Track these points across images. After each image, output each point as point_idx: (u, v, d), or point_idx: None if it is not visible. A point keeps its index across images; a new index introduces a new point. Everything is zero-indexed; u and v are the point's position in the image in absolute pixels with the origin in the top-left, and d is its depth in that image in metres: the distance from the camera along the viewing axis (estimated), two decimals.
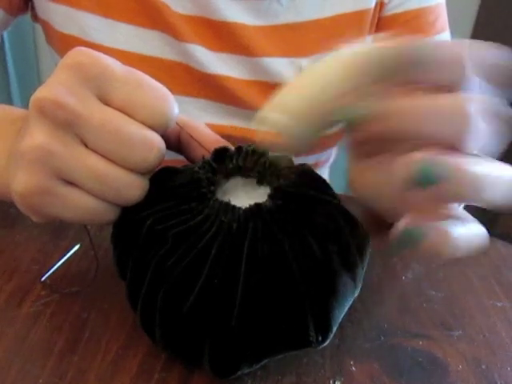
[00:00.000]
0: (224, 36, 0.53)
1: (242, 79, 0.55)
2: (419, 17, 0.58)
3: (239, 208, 0.28)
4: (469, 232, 0.24)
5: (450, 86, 0.23)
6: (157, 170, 0.30)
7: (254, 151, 0.32)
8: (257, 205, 0.28)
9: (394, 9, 0.58)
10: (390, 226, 0.24)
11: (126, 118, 0.27)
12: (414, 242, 0.23)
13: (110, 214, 0.29)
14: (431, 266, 0.42)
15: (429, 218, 0.23)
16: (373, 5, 0.56)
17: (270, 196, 0.29)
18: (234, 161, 0.31)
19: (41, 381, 0.29)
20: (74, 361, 0.30)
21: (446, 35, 0.61)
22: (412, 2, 0.58)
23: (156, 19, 0.52)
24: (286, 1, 0.54)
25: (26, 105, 0.28)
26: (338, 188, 0.34)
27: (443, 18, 0.60)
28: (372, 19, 0.57)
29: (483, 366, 0.33)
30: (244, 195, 0.31)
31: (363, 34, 0.57)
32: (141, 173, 0.28)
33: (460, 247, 0.23)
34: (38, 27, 0.58)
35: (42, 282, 0.36)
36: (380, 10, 0.58)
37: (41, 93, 0.27)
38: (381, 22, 0.58)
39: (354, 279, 0.29)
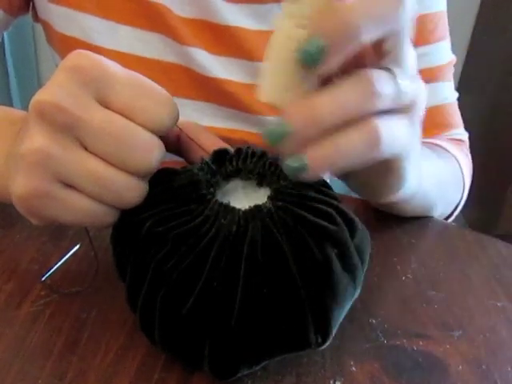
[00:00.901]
0: (225, 40, 0.53)
1: (243, 83, 0.55)
2: (418, 23, 0.57)
3: (239, 209, 0.28)
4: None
5: None
6: (156, 171, 0.30)
7: (253, 153, 0.32)
8: (256, 206, 0.28)
9: None
10: None
11: (126, 120, 0.27)
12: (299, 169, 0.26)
13: (110, 217, 0.29)
14: (431, 266, 0.42)
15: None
16: None
17: (270, 197, 0.29)
18: (234, 163, 0.31)
19: (40, 381, 0.29)
20: (73, 361, 0.30)
21: (445, 43, 0.59)
22: None
23: (157, 22, 0.51)
24: None
25: (25, 106, 0.28)
26: (338, 188, 0.34)
27: (443, 26, 0.59)
28: None
29: (483, 366, 0.33)
30: (244, 197, 0.31)
31: None
32: (140, 175, 0.28)
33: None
34: (39, 27, 0.58)
35: (42, 282, 0.36)
36: None
37: (40, 96, 0.27)
38: None
39: (353, 280, 0.29)
